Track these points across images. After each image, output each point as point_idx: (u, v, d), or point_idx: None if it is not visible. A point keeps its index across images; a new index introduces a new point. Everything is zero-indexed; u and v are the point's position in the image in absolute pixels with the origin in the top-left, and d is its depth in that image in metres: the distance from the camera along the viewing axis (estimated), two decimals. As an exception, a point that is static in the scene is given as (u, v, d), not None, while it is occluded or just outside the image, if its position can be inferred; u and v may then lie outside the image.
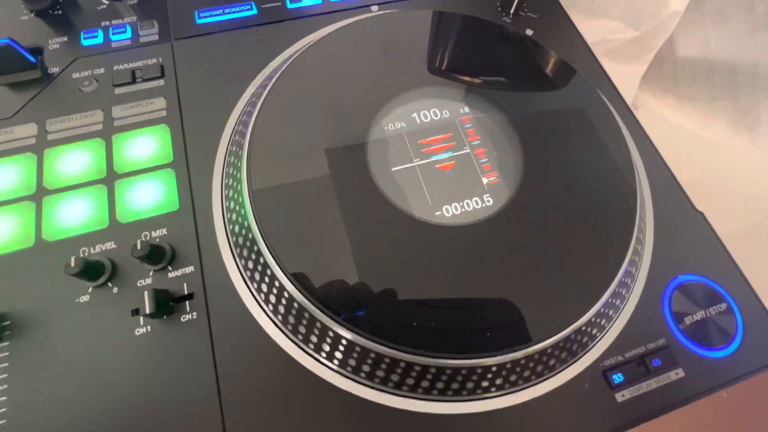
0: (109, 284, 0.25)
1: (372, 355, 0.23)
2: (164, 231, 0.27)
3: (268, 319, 0.25)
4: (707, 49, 0.43)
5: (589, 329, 0.25)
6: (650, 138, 0.33)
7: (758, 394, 0.39)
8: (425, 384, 0.23)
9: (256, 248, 0.25)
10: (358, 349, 0.23)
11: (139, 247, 0.24)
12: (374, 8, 0.37)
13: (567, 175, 0.28)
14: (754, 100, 0.45)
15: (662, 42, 0.42)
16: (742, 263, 0.30)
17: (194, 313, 0.25)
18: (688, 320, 0.27)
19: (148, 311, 0.23)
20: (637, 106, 0.46)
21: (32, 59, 0.31)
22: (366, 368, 0.23)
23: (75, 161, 0.28)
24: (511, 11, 0.37)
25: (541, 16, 0.38)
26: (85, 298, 0.25)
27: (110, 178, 0.28)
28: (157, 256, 0.25)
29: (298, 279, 0.24)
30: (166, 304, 0.24)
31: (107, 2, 0.35)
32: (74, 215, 0.27)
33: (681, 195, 0.31)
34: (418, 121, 0.29)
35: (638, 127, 0.34)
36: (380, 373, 0.23)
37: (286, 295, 0.24)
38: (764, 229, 0.40)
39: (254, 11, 0.35)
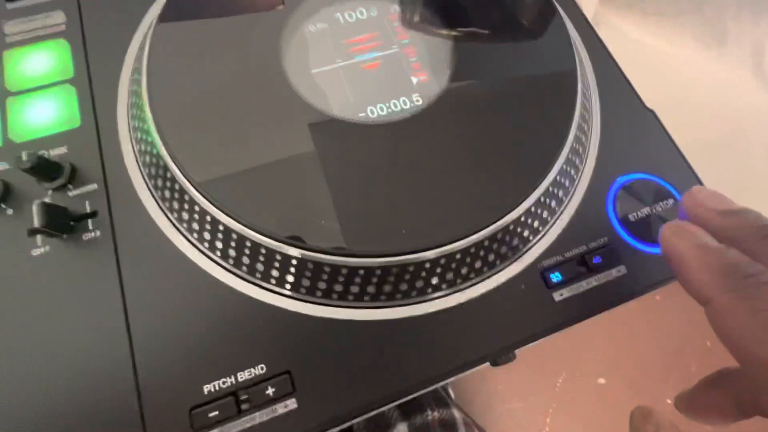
0: (3, 206, 0.23)
1: (303, 264, 0.21)
2: (64, 149, 0.24)
3: (178, 233, 0.23)
4: (672, -45, 0.40)
5: (527, 222, 0.23)
6: (601, 39, 0.31)
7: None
8: (354, 289, 0.22)
9: (157, 154, 0.23)
10: (281, 258, 0.21)
11: (24, 158, 0.22)
12: None
13: (503, 67, 0.26)
14: (722, 13, 0.42)
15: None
16: (703, 175, 0.29)
17: (97, 231, 0.23)
18: (632, 217, 0.25)
19: (36, 224, 0.21)
20: (598, 23, 0.43)
21: None
22: (298, 280, 0.22)
23: (-38, 80, 0.26)
24: None
25: None
26: (-25, 221, 0.23)
27: (2, 96, 0.25)
28: (48, 170, 0.22)
29: (204, 186, 0.21)
30: (65, 221, 0.22)
31: None
32: (-38, 136, 0.24)
33: (631, 93, 0.29)
34: (342, 21, 0.27)
35: (588, 28, 0.31)
36: (305, 282, 0.22)
37: (187, 200, 0.22)
38: (727, 142, 0.38)
39: None
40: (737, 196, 0.36)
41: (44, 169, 0.22)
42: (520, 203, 0.22)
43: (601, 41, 0.30)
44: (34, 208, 0.21)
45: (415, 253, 0.21)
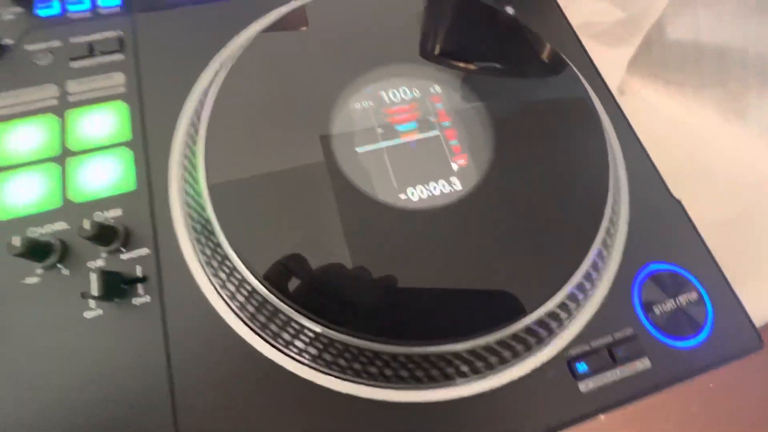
0: (59, 266, 0.24)
1: (332, 343, 0.22)
2: (119, 212, 0.26)
3: (224, 304, 0.24)
4: (697, 33, 0.42)
5: (554, 316, 0.24)
6: (630, 123, 0.32)
7: (743, 383, 0.39)
8: (387, 372, 0.23)
9: (210, 228, 0.24)
10: (314, 336, 0.22)
11: (87, 227, 0.23)
12: (349, -18, 0.35)
13: (537, 158, 0.27)
14: (744, 86, 0.44)
15: (650, 24, 0.41)
16: (722, 253, 0.30)
17: (148, 297, 0.24)
18: (657, 309, 0.26)
19: (94, 293, 0.22)
20: (624, 91, 0.45)
21: (-17, 30, 0.29)
22: (327, 356, 0.23)
23: (26, 137, 0.27)
24: (493, -12, 0.36)
25: (523, -6, 0.36)
26: (33, 280, 0.24)
27: (63, 156, 0.27)
28: (107, 236, 0.24)
29: (253, 264, 0.23)
30: (118, 286, 0.24)
31: (66, -29, 0.33)
32: (24, 194, 0.26)
33: (659, 182, 0.30)
34: (387, 101, 0.28)
35: (619, 112, 0.33)
36: (341, 362, 0.23)
37: (238, 276, 0.23)
38: (745, 219, 0.39)
39: (221, -16, 0.34)
40: (756, 273, 0.36)
41: (103, 236, 0.23)
42: (551, 297, 0.23)
43: (632, 129, 0.32)
44: (93, 277, 0.22)
45: (444, 344, 0.22)
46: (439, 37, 0.31)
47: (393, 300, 0.23)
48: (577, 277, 0.24)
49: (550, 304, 0.23)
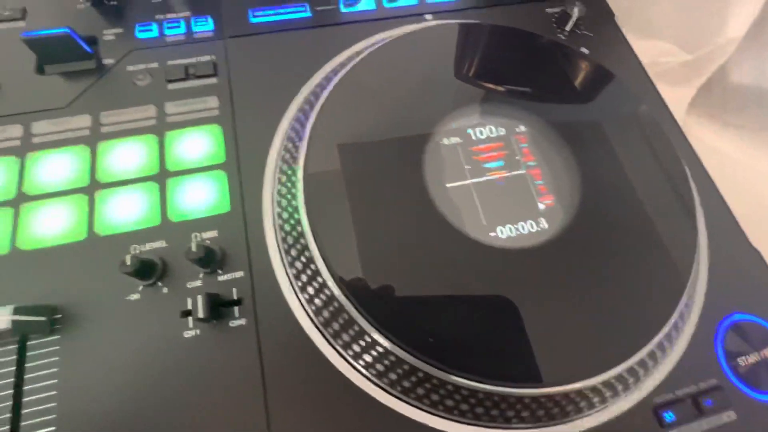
0: (159, 284, 0.25)
1: (420, 376, 0.23)
2: (215, 233, 0.27)
3: (316, 330, 0.25)
4: (760, 78, 0.42)
5: (642, 363, 0.24)
6: (705, 167, 0.33)
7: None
8: (479, 410, 0.23)
9: (307, 254, 0.25)
10: (406, 367, 0.23)
11: (194, 250, 0.24)
12: (428, 17, 0.36)
13: (624, 203, 0.27)
14: (804, 131, 0.44)
15: (715, 68, 0.41)
16: None
17: (243, 319, 0.25)
18: (741, 361, 0.26)
19: (201, 316, 0.23)
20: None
21: (89, 49, 0.31)
22: (420, 391, 0.23)
23: (128, 156, 0.28)
24: (567, 28, 0.36)
25: (596, 35, 0.37)
26: (135, 297, 0.25)
27: (162, 176, 0.28)
28: (209, 259, 0.24)
29: (348, 288, 0.23)
30: (217, 308, 0.24)
31: (162, -5, 0.35)
32: (126, 211, 0.27)
33: (737, 229, 0.30)
34: (474, 137, 0.29)
35: (694, 156, 0.33)
36: (434, 396, 0.23)
37: (335, 305, 0.24)
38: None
39: (308, 13, 0.35)
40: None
41: (206, 258, 0.24)
42: (643, 347, 0.23)
43: (707, 173, 0.32)
44: (199, 300, 0.23)
45: (538, 387, 0.22)
46: (522, 78, 0.32)
47: (497, 345, 0.23)
48: (668, 326, 0.24)
49: (642, 353, 0.23)
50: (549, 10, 0.38)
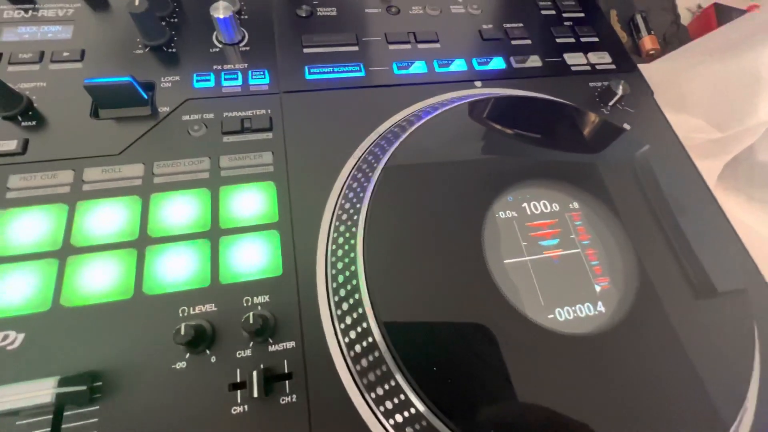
0: (207, 352, 0.24)
1: None
2: (266, 298, 0.26)
3: (369, 410, 0.23)
4: (785, 157, 0.44)
5: None
6: (744, 244, 0.33)
7: None
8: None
9: (364, 325, 0.24)
10: None
11: (251, 321, 0.23)
12: (477, 84, 0.37)
13: (681, 290, 0.27)
14: (825, 211, 0.45)
15: (744, 147, 0.43)
16: None
17: (293, 396, 0.23)
18: (800, 464, 0.25)
19: (256, 395, 0.22)
20: (710, 203, 0.46)
21: (145, 96, 0.31)
22: None
23: (180, 210, 0.27)
24: (610, 104, 0.38)
25: (636, 111, 0.38)
26: (181, 365, 0.23)
27: (215, 233, 0.27)
28: (263, 330, 0.23)
29: (406, 365, 0.22)
30: (269, 384, 0.23)
31: (220, 46, 0.35)
32: (175, 269, 0.26)
33: (782, 318, 0.30)
34: (529, 212, 0.29)
35: (737, 239, 0.33)
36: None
37: (392, 383, 0.23)
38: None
39: (362, 73, 0.36)
40: None
41: (262, 330, 0.23)
42: None
43: (745, 248, 0.32)
44: (255, 376, 0.22)
45: None
46: (574, 154, 0.32)
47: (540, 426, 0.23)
48: (734, 426, 0.23)
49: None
50: (592, 84, 0.39)
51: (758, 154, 0.45)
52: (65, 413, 0.21)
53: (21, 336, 0.23)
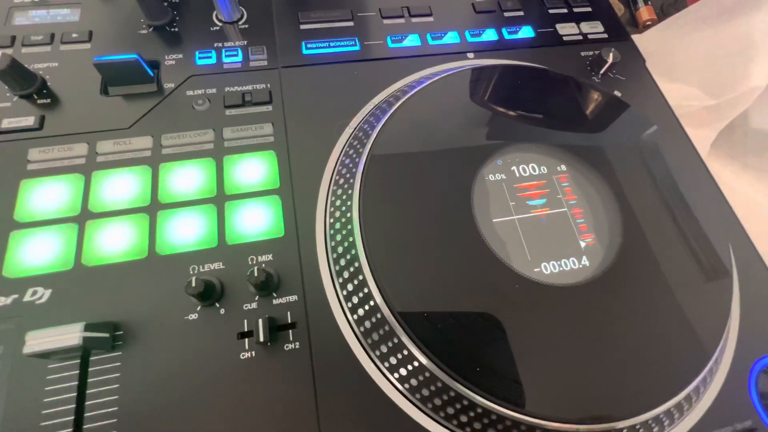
0: (217, 305, 0.26)
1: (470, 406, 0.23)
2: (269, 257, 0.28)
3: (364, 352, 0.25)
4: (780, 123, 0.44)
5: (676, 408, 0.25)
6: (734, 211, 0.34)
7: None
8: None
9: (360, 278, 0.26)
10: (452, 394, 0.23)
11: (256, 275, 0.25)
12: (470, 55, 0.38)
13: (663, 244, 0.29)
14: (821, 176, 0.45)
15: (737, 114, 0.43)
16: None
17: (297, 343, 0.25)
18: (775, 404, 0.27)
19: (262, 339, 0.24)
20: (704, 171, 0.47)
21: (151, 73, 0.32)
22: (479, 425, 0.24)
23: (187, 178, 0.29)
24: (601, 72, 0.38)
25: (628, 79, 0.39)
26: (193, 316, 0.25)
27: (220, 199, 0.29)
28: (268, 283, 0.25)
29: (403, 318, 0.24)
30: (274, 332, 0.25)
31: (220, 24, 0.36)
32: (185, 232, 0.28)
33: (765, 271, 0.31)
34: (517, 175, 0.30)
35: (721, 197, 0.34)
36: (477, 425, 0.24)
37: (386, 328, 0.25)
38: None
39: (357, 47, 0.37)
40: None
41: (265, 283, 0.25)
42: (678, 392, 0.24)
43: (736, 216, 0.33)
44: (260, 323, 0.24)
45: (565, 423, 0.23)
46: (562, 119, 0.34)
47: (545, 378, 0.24)
48: (704, 370, 0.25)
49: (679, 397, 0.24)
50: (584, 54, 0.40)
51: (752, 122, 0.45)
52: (91, 358, 0.24)
53: (48, 292, 0.25)
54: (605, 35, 0.41)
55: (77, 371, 0.23)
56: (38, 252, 0.26)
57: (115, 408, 0.23)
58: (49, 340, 0.21)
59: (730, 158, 0.48)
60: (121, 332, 0.25)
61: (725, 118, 0.44)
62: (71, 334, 0.22)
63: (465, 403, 0.23)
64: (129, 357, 0.24)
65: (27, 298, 0.25)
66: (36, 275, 0.26)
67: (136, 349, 0.24)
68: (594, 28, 0.42)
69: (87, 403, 0.23)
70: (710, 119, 0.45)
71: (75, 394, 0.23)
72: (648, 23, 0.56)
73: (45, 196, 0.28)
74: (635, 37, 0.44)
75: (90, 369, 0.24)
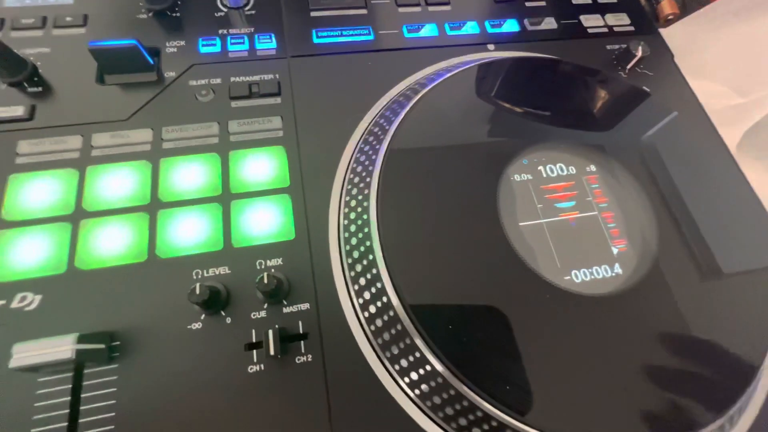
0: (223, 313, 0.24)
1: (493, 423, 0.22)
2: (279, 261, 0.26)
3: (384, 369, 0.23)
4: (809, 123, 0.42)
5: (721, 427, 0.23)
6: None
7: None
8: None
9: (378, 285, 0.24)
10: (480, 414, 0.22)
11: (265, 281, 0.23)
12: (490, 47, 0.36)
13: (700, 251, 0.27)
14: None
15: (766, 113, 0.41)
16: None
17: (309, 356, 0.23)
18: (818, 424, 0.25)
19: (272, 353, 0.22)
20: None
21: (151, 61, 0.30)
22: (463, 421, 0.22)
23: (190, 175, 0.27)
24: (628, 67, 0.36)
25: (656, 74, 0.37)
26: (197, 326, 0.23)
27: (226, 197, 0.27)
28: (278, 291, 0.23)
29: (425, 330, 0.22)
30: (285, 344, 0.23)
31: (225, 10, 0.34)
32: (188, 233, 0.26)
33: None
34: (544, 175, 0.28)
35: (758, 202, 0.33)
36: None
37: (408, 342, 0.23)
38: None
39: (371, 36, 0.34)
40: None
41: (276, 291, 0.23)
42: (716, 420, 0.22)
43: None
44: (271, 335, 0.22)
45: None
46: (591, 117, 0.31)
47: (564, 392, 0.22)
48: (743, 395, 0.23)
49: (720, 422, 0.22)
50: (609, 47, 0.37)
51: (780, 121, 0.43)
52: (85, 371, 0.22)
53: (38, 297, 0.23)
54: (631, 28, 0.39)
55: (70, 385, 0.21)
56: (28, 253, 0.24)
57: (111, 426, 0.21)
58: (39, 353, 0.19)
59: (755, 159, 0.46)
60: (118, 343, 0.23)
61: (752, 117, 0.42)
62: (63, 347, 0.20)
63: (494, 424, 0.21)
64: (127, 370, 0.22)
65: (15, 304, 0.23)
66: (25, 279, 0.23)
67: (135, 362, 0.22)
68: (620, 21, 0.39)
69: (80, 420, 0.21)
70: (736, 118, 0.43)
71: (67, 411, 0.21)
72: (670, 17, 0.53)
73: (35, 192, 0.26)
74: (661, 31, 0.42)
75: (84, 383, 0.22)
